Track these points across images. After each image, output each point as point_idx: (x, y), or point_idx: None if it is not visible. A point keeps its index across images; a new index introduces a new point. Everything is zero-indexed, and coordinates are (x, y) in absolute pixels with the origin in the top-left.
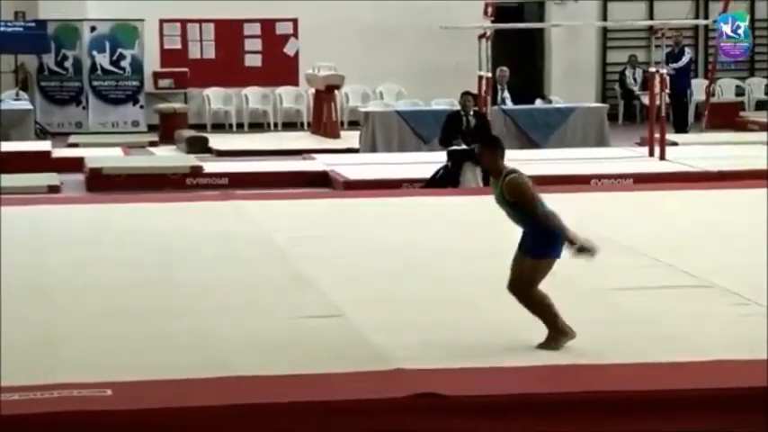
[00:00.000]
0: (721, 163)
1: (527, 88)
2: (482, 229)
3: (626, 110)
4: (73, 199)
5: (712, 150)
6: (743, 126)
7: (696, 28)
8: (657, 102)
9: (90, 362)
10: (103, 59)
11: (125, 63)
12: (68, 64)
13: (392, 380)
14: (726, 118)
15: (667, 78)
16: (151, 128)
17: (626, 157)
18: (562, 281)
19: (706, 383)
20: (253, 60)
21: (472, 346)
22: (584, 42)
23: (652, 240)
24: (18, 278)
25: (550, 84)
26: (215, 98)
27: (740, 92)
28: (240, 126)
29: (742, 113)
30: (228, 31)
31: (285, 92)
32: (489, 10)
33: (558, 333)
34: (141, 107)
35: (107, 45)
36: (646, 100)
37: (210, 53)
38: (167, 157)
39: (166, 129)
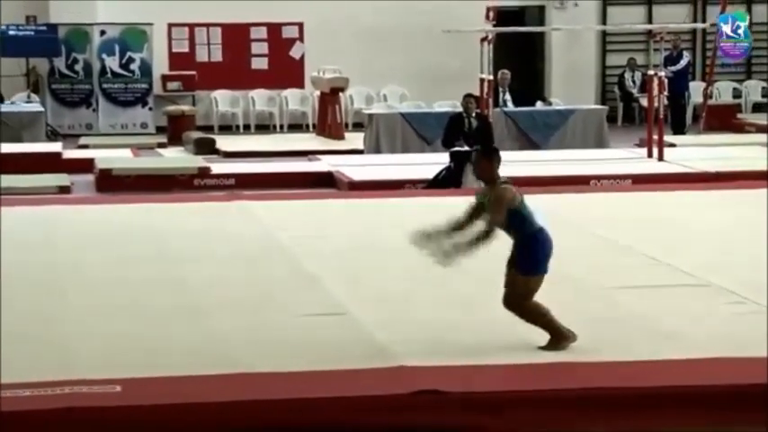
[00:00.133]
0: (718, 164)
1: (528, 90)
2: None
3: (625, 112)
4: (83, 199)
5: (709, 151)
6: (740, 128)
7: (694, 32)
8: (656, 104)
9: (100, 358)
10: (113, 63)
11: (134, 66)
12: (79, 67)
13: (394, 377)
14: (723, 120)
15: (666, 81)
16: (159, 130)
17: (625, 158)
18: (562, 280)
19: (704, 380)
20: (259, 63)
21: (473, 344)
22: (584, 46)
23: (650, 240)
24: (29, 276)
25: (551, 86)
26: (222, 100)
27: (737, 94)
28: (247, 128)
29: (739, 115)
30: (235, 35)
31: (291, 94)
32: (491, 14)
33: (559, 338)
34: (150, 109)
35: (117, 49)
36: (644, 102)
37: (218, 56)
38: (175, 158)
39: (175, 130)
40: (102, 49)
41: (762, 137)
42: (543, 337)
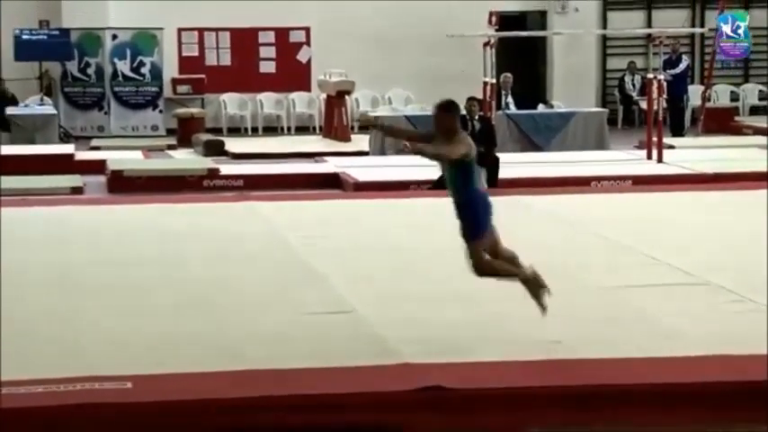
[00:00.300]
0: (716, 165)
1: (530, 94)
2: None
3: (625, 114)
4: (95, 200)
5: (708, 153)
6: (737, 130)
7: (693, 36)
8: (655, 107)
9: (111, 355)
10: (124, 66)
11: (145, 70)
12: (91, 71)
13: (400, 373)
14: (721, 122)
15: (665, 84)
16: (170, 132)
17: (625, 159)
18: (562, 278)
19: (703, 377)
20: (267, 67)
21: (477, 341)
22: (585, 50)
23: (650, 239)
24: (42, 275)
25: (552, 89)
26: (231, 103)
27: (735, 97)
28: (255, 130)
29: (737, 118)
30: (244, 40)
31: (298, 97)
32: (493, 19)
33: (529, 282)
34: (160, 112)
35: (128, 53)
36: (644, 105)
37: (227, 60)
38: (185, 159)
39: (184, 133)
40: (114, 53)
41: (759, 139)
42: (543, 333)
